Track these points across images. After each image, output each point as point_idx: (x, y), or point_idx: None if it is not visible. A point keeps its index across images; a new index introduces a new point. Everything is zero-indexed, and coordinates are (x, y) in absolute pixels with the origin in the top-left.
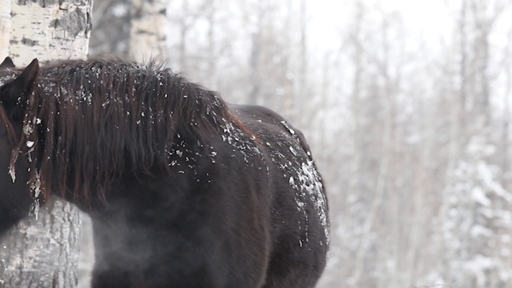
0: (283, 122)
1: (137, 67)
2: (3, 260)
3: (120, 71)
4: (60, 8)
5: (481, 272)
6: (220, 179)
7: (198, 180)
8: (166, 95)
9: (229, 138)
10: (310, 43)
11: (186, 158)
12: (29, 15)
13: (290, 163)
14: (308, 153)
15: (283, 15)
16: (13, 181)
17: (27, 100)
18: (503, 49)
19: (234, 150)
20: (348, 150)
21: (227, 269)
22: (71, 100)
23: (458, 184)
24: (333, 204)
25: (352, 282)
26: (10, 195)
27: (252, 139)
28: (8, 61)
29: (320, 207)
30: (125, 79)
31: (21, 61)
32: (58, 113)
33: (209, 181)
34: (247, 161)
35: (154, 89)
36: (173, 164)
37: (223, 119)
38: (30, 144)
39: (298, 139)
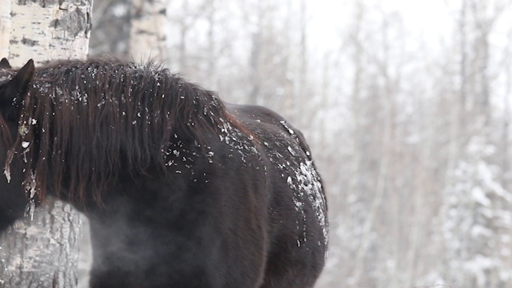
0: (282, 122)
1: (135, 67)
2: (3, 260)
3: (116, 71)
4: (60, 8)
5: (481, 272)
6: (217, 179)
7: (195, 180)
8: (163, 96)
9: (227, 138)
10: (310, 43)
11: (183, 158)
12: (29, 15)
13: (288, 163)
14: (307, 153)
15: (283, 15)
16: (8, 181)
17: (23, 101)
18: (503, 49)
19: (231, 150)
20: (348, 150)
21: (225, 269)
22: (67, 101)
23: (458, 184)
24: (333, 204)
25: (352, 282)
26: (5, 195)
27: (250, 139)
28: (4, 62)
29: (318, 207)
30: (122, 80)
31: (21, 61)
32: (53, 113)
33: (206, 181)
34: (244, 161)
35: (151, 90)
36: (170, 164)
37: (220, 119)
38: (25, 144)
39: (297, 139)
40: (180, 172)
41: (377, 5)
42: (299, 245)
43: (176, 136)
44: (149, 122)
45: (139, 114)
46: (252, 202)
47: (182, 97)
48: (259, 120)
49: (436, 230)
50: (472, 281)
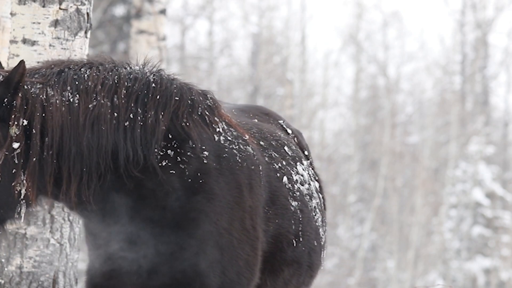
0: (281, 121)
1: (130, 68)
2: (3, 260)
3: (110, 73)
4: (60, 8)
5: (481, 272)
6: (211, 179)
7: (190, 180)
8: (158, 97)
9: (222, 138)
10: (310, 43)
11: (178, 158)
12: (29, 15)
13: (284, 163)
14: (306, 152)
15: (283, 15)
16: None
17: (14, 102)
18: (503, 49)
19: (226, 150)
20: (348, 150)
21: (219, 269)
22: (58, 102)
23: (458, 184)
24: (333, 204)
25: (352, 282)
26: None
27: (245, 138)
28: None
29: (315, 207)
30: (116, 81)
31: None
32: (44, 114)
33: (201, 181)
34: (239, 160)
35: (145, 91)
36: (164, 164)
37: (215, 118)
38: (16, 145)
39: (295, 138)
40: (174, 172)
41: (377, 5)
42: (295, 244)
43: (170, 136)
44: (141, 123)
45: (131, 115)
46: (247, 202)
47: (177, 98)
48: (256, 120)
49: (436, 230)
50: (472, 281)
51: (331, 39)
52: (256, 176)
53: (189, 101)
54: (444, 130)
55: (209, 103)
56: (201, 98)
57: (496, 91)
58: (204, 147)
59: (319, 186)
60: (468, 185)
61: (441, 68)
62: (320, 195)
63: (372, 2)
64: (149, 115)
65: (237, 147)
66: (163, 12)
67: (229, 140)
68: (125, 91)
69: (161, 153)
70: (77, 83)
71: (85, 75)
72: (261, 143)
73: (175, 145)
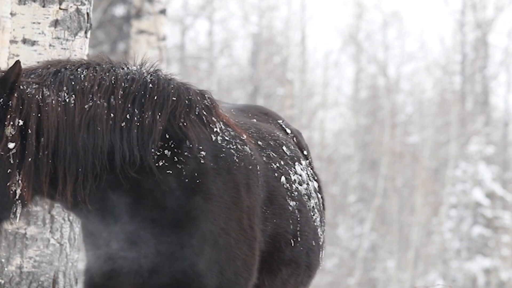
0: (280, 121)
1: (127, 68)
2: (3, 260)
3: (108, 73)
4: (60, 8)
5: (481, 272)
6: (209, 179)
7: (187, 180)
8: (155, 97)
9: (219, 138)
10: (310, 43)
11: (175, 158)
12: (29, 15)
13: (282, 162)
14: (305, 152)
15: (283, 15)
16: None
17: (9, 102)
18: (503, 49)
19: (223, 150)
20: (348, 150)
21: (217, 269)
22: (53, 102)
23: (458, 184)
24: (333, 204)
25: (352, 282)
26: None
27: (243, 138)
28: None
29: (313, 207)
30: (113, 82)
31: (21, 61)
32: (40, 114)
33: (198, 181)
34: (237, 160)
35: (142, 92)
36: (160, 164)
37: (213, 118)
38: (11, 145)
39: (294, 138)
40: (171, 172)
41: (377, 5)
42: (293, 244)
43: (167, 137)
44: (138, 124)
45: (128, 116)
46: (245, 202)
47: (174, 98)
48: (255, 120)
49: (436, 230)
50: (472, 281)
51: (331, 39)
52: (254, 176)
53: (187, 101)
54: (444, 130)
55: (206, 103)
56: (198, 98)
57: (496, 91)
58: (201, 147)
59: (318, 186)
60: (468, 185)
61: (441, 68)
62: (319, 195)
63: (372, 2)
64: (146, 116)
65: (234, 147)
66: (163, 12)
67: (227, 140)
68: (122, 92)
69: (158, 153)
70: (73, 83)
71: (82, 76)
72: (259, 143)
73: (172, 145)
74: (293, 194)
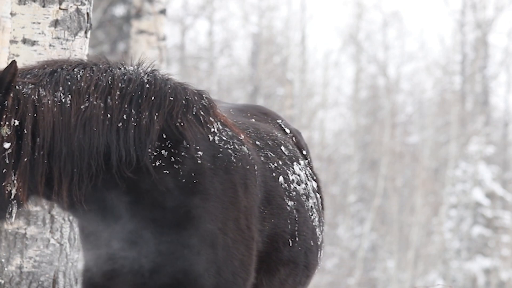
0: (279, 121)
1: (124, 69)
2: (3, 260)
3: (104, 74)
4: (60, 8)
5: (481, 272)
6: (206, 179)
7: (184, 180)
8: (152, 98)
9: (216, 138)
10: (310, 43)
11: (172, 158)
12: (29, 15)
13: (280, 162)
14: (304, 152)
15: (283, 15)
16: None
17: (5, 102)
18: (503, 49)
19: (221, 150)
20: (348, 150)
21: (214, 269)
22: (49, 102)
23: (458, 184)
24: (333, 204)
25: (352, 282)
26: None
27: (241, 138)
28: None
29: (312, 206)
30: (109, 82)
31: (21, 61)
32: (36, 114)
33: (195, 181)
34: (234, 160)
35: (139, 92)
36: (157, 164)
37: (210, 118)
38: (7, 145)
39: (293, 138)
40: (168, 172)
41: (377, 5)
42: (291, 244)
43: (165, 137)
44: (135, 124)
45: (125, 116)
46: (242, 202)
47: (171, 98)
48: (253, 119)
49: (436, 230)
50: (472, 281)
51: (331, 39)
52: (251, 175)
53: (184, 101)
54: (444, 130)
55: (204, 103)
56: (196, 98)
57: (496, 91)
58: (198, 147)
59: (317, 186)
60: (468, 185)
61: (441, 68)
62: (318, 195)
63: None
64: (143, 116)
65: (232, 147)
66: (163, 12)
67: (224, 140)
68: (119, 92)
69: (155, 154)
70: (69, 83)
71: (78, 76)
72: (257, 142)
73: (169, 145)
74: (291, 194)
